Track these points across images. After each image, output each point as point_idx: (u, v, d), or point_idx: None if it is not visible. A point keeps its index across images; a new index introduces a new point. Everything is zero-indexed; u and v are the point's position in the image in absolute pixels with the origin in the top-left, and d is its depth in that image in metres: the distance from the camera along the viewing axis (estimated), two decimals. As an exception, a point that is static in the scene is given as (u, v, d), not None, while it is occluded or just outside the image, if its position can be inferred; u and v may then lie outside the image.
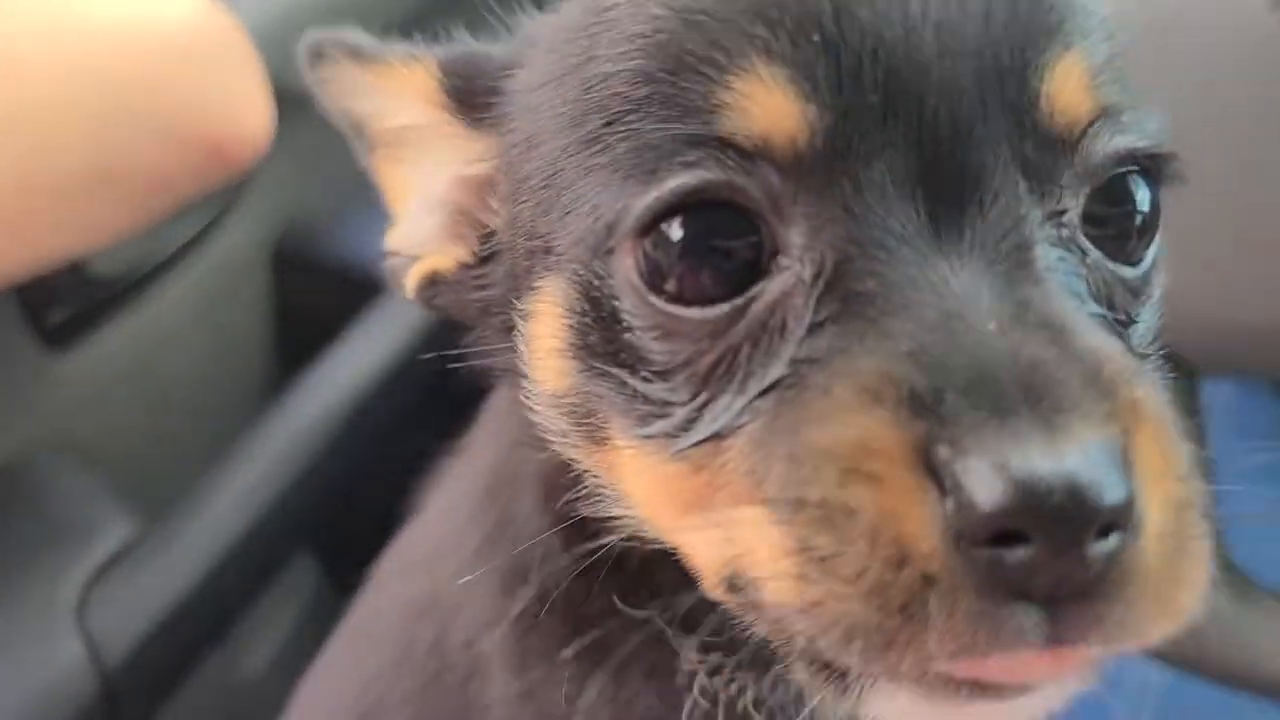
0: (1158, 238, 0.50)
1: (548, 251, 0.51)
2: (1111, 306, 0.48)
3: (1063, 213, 0.46)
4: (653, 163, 0.45)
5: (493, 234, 0.58)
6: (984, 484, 0.37)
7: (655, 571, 0.52)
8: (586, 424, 0.51)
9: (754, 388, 0.44)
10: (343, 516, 1.20)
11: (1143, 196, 0.49)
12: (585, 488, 0.54)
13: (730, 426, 0.44)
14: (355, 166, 0.66)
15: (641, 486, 0.49)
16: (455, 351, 0.59)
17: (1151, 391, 0.42)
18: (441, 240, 0.61)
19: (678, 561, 0.49)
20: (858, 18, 0.44)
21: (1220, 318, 0.80)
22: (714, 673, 0.54)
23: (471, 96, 0.58)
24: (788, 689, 0.49)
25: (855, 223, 0.43)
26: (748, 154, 0.44)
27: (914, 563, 0.38)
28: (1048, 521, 0.36)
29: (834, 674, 0.44)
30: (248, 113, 0.91)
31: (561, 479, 0.55)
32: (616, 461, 0.50)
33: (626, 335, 0.47)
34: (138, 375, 1.26)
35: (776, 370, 0.44)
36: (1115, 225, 0.48)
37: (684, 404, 0.46)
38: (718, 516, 0.44)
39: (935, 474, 0.38)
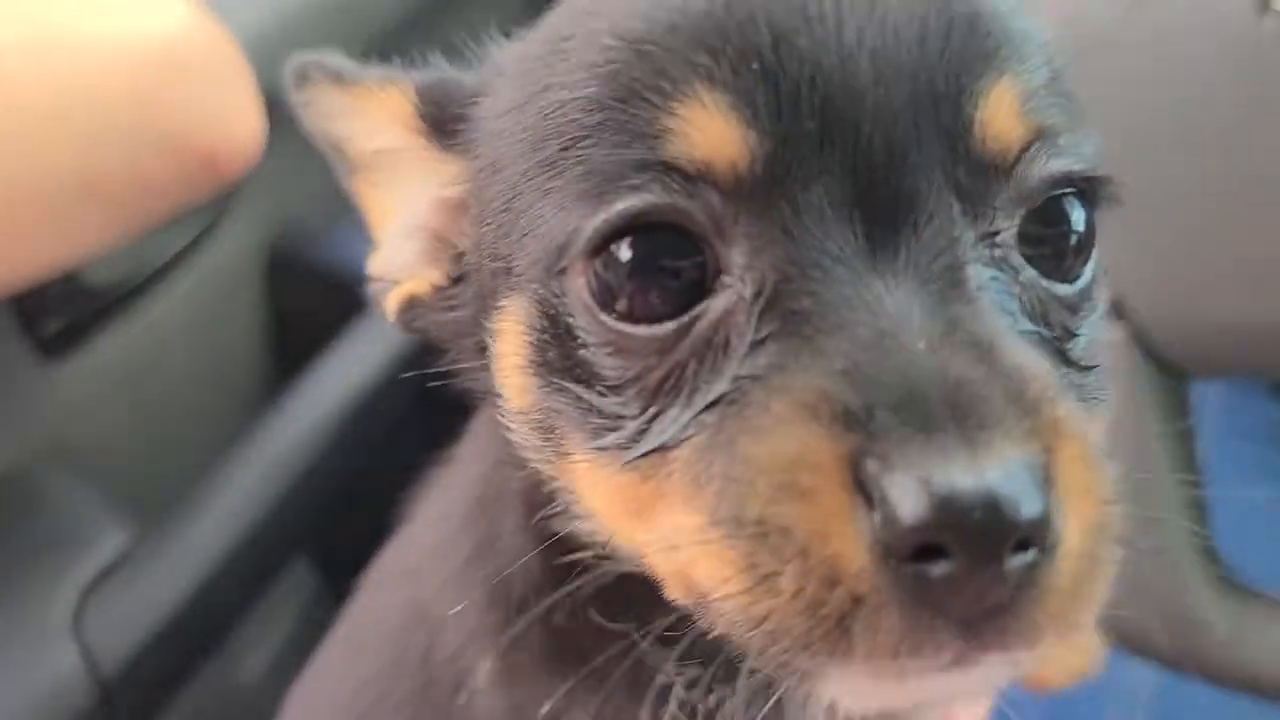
0: (1095, 255, 0.52)
1: (509, 272, 0.53)
2: (1047, 323, 0.49)
3: (996, 234, 0.47)
4: (602, 186, 0.47)
5: (463, 256, 0.60)
6: (907, 498, 0.38)
7: (631, 586, 0.53)
8: (549, 439, 0.52)
9: (700, 402, 0.45)
10: (340, 521, 1.19)
11: (1078, 217, 0.50)
12: (559, 504, 0.55)
13: (677, 438, 0.46)
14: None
15: (598, 497, 0.51)
16: (440, 370, 0.60)
17: (1074, 410, 0.43)
18: (419, 265, 0.63)
19: (650, 575, 0.50)
20: (796, 46, 0.45)
21: (1214, 318, 0.80)
22: (691, 686, 0.55)
23: (444, 122, 0.60)
24: (764, 700, 0.50)
25: (794, 244, 0.45)
26: (691, 178, 0.46)
27: (844, 582, 0.39)
28: (966, 535, 0.38)
29: (792, 670, 0.45)
30: (239, 123, 0.91)
31: (539, 496, 0.56)
32: (576, 473, 0.51)
33: (581, 351, 0.49)
34: (132, 384, 1.26)
35: (720, 385, 0.45)
36: (1051, 245, 0.50)
37: (634, 417, 0.47)
38: (665, 527, 0.46)
39: (864, 489, 0.39)
